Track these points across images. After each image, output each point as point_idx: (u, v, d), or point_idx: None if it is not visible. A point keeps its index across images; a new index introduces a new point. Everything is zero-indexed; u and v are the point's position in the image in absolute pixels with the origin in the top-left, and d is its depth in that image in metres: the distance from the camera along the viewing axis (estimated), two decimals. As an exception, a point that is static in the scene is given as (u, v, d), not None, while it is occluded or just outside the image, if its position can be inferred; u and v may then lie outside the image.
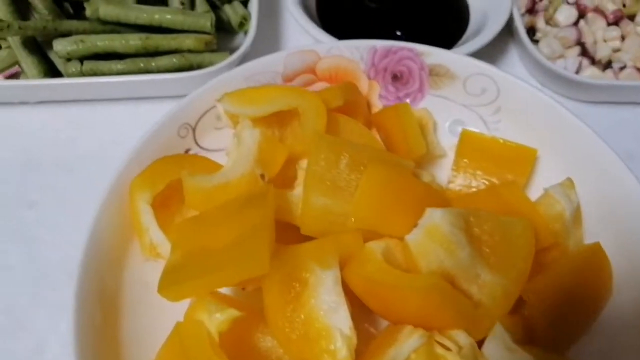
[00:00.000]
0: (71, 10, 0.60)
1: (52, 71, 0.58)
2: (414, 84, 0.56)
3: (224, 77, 0.51)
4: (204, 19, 0.57)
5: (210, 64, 0.58)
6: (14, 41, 0.55)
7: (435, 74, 0.55)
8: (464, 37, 0.65)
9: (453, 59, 0.54)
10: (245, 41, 0.58)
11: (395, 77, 0.56)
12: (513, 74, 0.53)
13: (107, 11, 0.56)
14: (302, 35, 0.66)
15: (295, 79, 0.55)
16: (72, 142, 0.58)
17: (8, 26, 0.52)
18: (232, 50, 0.62)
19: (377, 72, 0.56)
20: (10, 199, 0.54)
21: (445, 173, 0.53)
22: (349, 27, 0.65)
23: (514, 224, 0.42)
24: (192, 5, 0.61)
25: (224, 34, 0.63)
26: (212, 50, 0.59)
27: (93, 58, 0.56)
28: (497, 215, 0.43)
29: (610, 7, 0.66)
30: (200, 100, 0.51)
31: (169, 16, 0.56)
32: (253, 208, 0.41)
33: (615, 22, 0.65)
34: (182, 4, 0.59)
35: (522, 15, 0.68)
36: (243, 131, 0.46)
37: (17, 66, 0.58)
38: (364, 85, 0.56)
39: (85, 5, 0.56)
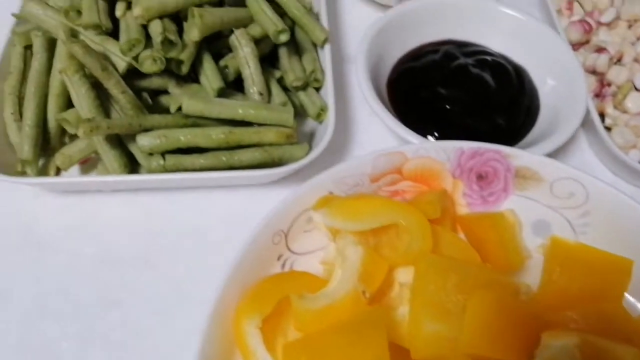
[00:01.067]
0: (149, 100, 0.59)
1: (131, 162, 0.57)
2: (498, 183, 0.56)
3: (315, 182, 0.51)
4: (286, 114, 0.57)
5: (291, 157, 0.58)
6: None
7: (521, 175, 0.55)
8: (534, 130, 0.65)
9: (541, 163, 0.54)
10: (325, 135, 0.58)
11: (480, 177, 0.56)
12: (602, 179, 0.53)
13: (191, 106, 0.55)
14: (373, 122, 0.66)
15: (381, 179, 0.54)
16: (150, 234, 0.57)
17: (97, 127, 0.51)
18: (304, 135, 0.62)
19: (462, 172, 0.55)
20: (92, 299, 0.53)
21: (531, 276, 0.53)
22: (419, 111, 0.65)
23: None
24: (269, 93, 0.60)
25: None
26: (292, 143, 0.58)
27: (175, 151, 0.56)
28: (609, 343, 0.42)
29: (681, 96, 0.66)
30: (293, 206, 0.50)
31: (252, 111, 0.56)
32: (365, 333, 0.41)
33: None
34: (261, 94, 0.59)
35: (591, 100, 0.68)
36: (346, 248, 0.45)
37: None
38: (448, 183, 0.56)
39: (169, 100, 0.56)
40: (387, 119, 0.59)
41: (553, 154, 0.59)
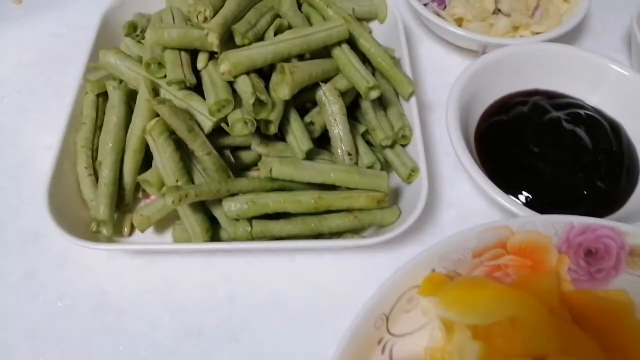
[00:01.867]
0: (232, 158, 0.56)
1: (212, 223, 0.54)
2: (609, 260, 0.51)
3: (419, 261, 0.47)
4: (380, 179, 0.53)
5: (381, 221, 0.54)
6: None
7: (637, 254, 0.50)
8: (636, 194, 0.60)
9: (660, 242, 0.49)
10: (418, 202, 0.54)
11: (589, 253, 0.51)
12: None
13: (281, 171, 0.52)
14: (459, 179, 0.63)
15: (484, 254, 0.51)
16: (230, 301, 0.54)
17: (186, 195, 0.48)
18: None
19: (570, 247, 0.51)
20: (175, 375, 0.50)
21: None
22: (508, 169, 0.61)
23: None
24: (357, 152, 0.57)
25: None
26: (382, 207, 0.55)
27: (262, 216, 0.52)
28: None
29: None
30: (396, 288, 0.47)
31: (344, 176, 0.53)
32: None
33: None
34: (350, 154, 0.55)
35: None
36: (465, 345, 0.42)
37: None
38: (553, 258, 0.52)
39: (260, 166, 0.52)
40: (482, 182, 0.56)
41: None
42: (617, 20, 0.79)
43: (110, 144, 0.55)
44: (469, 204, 0.62)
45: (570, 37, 0.76)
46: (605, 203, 0.59)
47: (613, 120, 0.65)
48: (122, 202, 0.57)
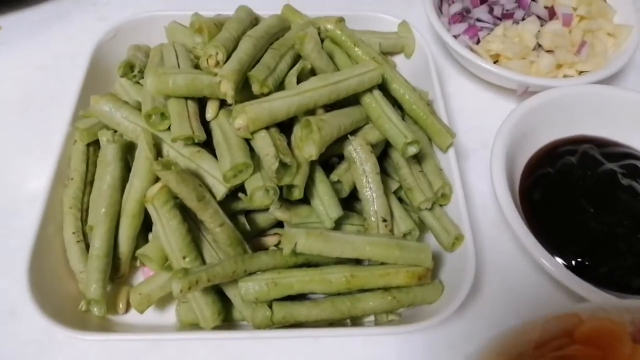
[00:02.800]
0: (247, 225, 0.47)
1: (225, 307, 0.45)
2: (691, 351, 0.44)
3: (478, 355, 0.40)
4: (423, 253, 0.46)
5: (423, 300, 0.47)
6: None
7: None
8: None
9: None
10: (465, 277, 0.46)
11: (668, 342, 0.44)
12: None
13: (308, 246, 0.44)
14: (501, 238, 0.55)
15: (547, 345, 0.43)
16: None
17: (197, 281, 0.40)
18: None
19: (647, 336, 0.44)
20: None
21: None
22: (558, 228, 0.54)
23: None
24: (392, 216, 0.49)
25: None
26: (424, 283, 0.47)
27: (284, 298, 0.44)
28: None
29: None
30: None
31: (382, 250, 0.45)
32: None
33: None
34: (384, 220, 0.48)
35: None
36: None
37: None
38: (626, 349, 0.44)
39: (283, 241, 0.44)
40: (531, 246, 0.48)
41: None
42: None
43: (104, 209, 0.47)
44: (514, 269, 0.54)
45: (615, 73, 0.69)
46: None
47: (672, 172, 0.58)
48: (117, 273, 0.49)
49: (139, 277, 0.51)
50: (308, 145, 0.45)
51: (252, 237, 0.49)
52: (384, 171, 0.53)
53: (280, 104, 0.45)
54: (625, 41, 0.64)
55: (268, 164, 0.42)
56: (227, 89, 0.45)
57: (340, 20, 0.56)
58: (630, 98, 0.59)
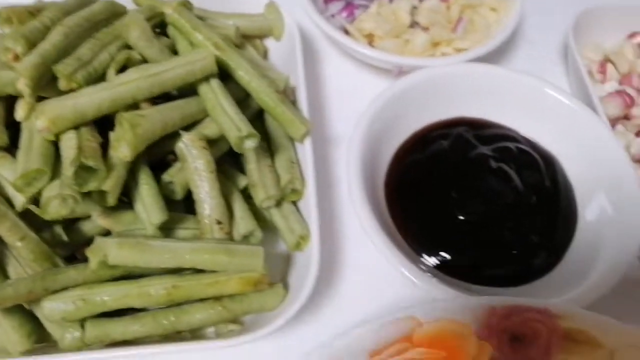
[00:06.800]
0: (63, 236, 0.43)
1: (37, 330, 0.41)
2: (538, 348, 0.41)
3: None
4: (255, 257, 0.42)
5: (262, 308, 0.43)
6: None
7: (571, 339, 0.41)
8: (574, 246, 0.50)
9: (602, 326, 0.40)
10: (306, 278, 0.43)
11: (515, 338, 0.41)
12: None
13: (121, 257, 0.40)
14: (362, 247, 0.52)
15: (384, 352, 0.40)
16: None
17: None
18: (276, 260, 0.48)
19: (492, 333, 0.41)
20: None
21: None
22: (425, 223, 0.51)
23: None
24: (231, 216, 0.45)
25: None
26: (262, 289, 0.43)
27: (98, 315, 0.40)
28: None
29: None
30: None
31: (206, 256, 0.41)
32: None
33: None
34: (219, 222, 0.44)
35: None
36: None
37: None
38: (471, 347, 0.41)
39: (88, 254, 0.40)
40: (383, 247, 0.45)
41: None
42: (553, 26, 0.68)
43: None
44: (380, 268, 0.51)
45: (500, 48, 0.65)
46: (541, 262, 0.49)
47: (548, 154, 0.55)
48: None
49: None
50: (121, 146, 0.40)
51: (80, 247, 0.44)
52: (241, 169, 0.50)
53: (87, 101, 0.41)
54: (508, 14, 0.61)
55: (66, 165, 0.38)
56: (23, 87, 0.40)
57: (183, 3, 0.51)
58: (507, 76, 0.56)
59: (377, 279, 0.50)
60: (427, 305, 0.40)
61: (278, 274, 0.48)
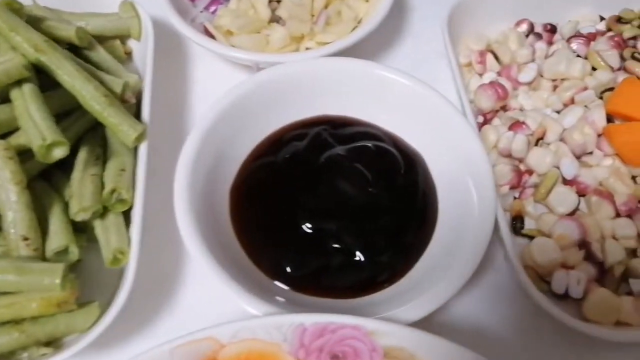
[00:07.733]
0: None
1: None
2: (362, 365, 0.39)
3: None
4: (51, 275, 0.39)
5: (71, 331, 0.40)
6: None
7: (394, 356, 0.38)
8: (431, 249, 0.48)
9: (418, 341, 0.37)
10: (118, 296, 0.40)
11: (336, 357, 0.39)
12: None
13: None
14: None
15: (185, 374, 0.37)
16: None
17: None
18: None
19: (309, 353, 0.38)
20: None
21: None
22: (269, 234, 0.47)
23: None
24: (46, 232, 0.42)
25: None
26: (70, 310, 0.40)
27: None
28: None
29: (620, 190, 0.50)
30: None
31: (-6, 278, 0.38)
32: None
33: (629, 215, 0.49)
34: (26, 238, 0.41)
35: (505, 195, 0.52)
36: None
37: None
38: (290, 367, 0.39)
39: None
40: (205, 264, 0.42)
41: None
42: (438, 16, 0.65)
43: None
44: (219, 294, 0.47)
45: (378, 42, 0.62)
46: (387, 267, 0.46)
47: (412, 151, 0.52)
48: None
49: None
50: None
51: None
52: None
53: None
54: (378, 5, 0.57)
55: None
56: None
57: (8, 3, 0.48)
58: (368, 70, 0.52)
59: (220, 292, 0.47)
60: (226, 326, 0.37)
61: (108, 291, 0.45)
